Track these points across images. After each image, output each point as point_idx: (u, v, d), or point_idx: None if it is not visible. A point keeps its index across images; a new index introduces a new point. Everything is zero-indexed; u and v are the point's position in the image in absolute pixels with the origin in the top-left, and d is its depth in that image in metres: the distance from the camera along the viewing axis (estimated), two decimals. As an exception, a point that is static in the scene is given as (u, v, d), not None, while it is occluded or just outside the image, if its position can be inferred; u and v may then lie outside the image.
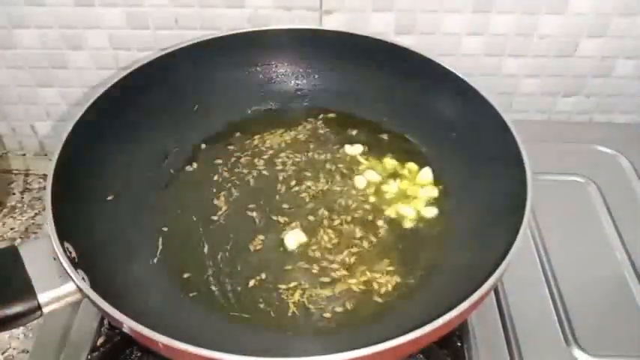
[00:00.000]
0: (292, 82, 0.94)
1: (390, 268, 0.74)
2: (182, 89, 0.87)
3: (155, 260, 0.75)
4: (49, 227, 0.61)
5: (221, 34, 0.88)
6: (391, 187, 0.82)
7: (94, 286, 0.59)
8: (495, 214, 0.70)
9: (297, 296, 0.71)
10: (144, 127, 0.83)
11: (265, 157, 0.87)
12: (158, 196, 0.82)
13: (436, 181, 0.83)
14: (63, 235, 0.61)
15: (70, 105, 1.01)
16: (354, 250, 0.76)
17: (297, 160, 0.87)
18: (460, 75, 0.79)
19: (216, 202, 0.82)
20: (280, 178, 0.84)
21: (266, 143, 0.89)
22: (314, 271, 0.74)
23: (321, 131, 0.91)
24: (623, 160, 0.95)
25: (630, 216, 0.86)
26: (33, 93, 1.00)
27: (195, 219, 0.80)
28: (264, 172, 0.85)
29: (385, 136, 0.89)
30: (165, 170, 0.85)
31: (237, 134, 0.90)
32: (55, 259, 0.60)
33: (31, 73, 0.97)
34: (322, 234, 0.77)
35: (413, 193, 0.82)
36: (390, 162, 0.86)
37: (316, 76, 0.94)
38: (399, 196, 0.82)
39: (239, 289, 0.72)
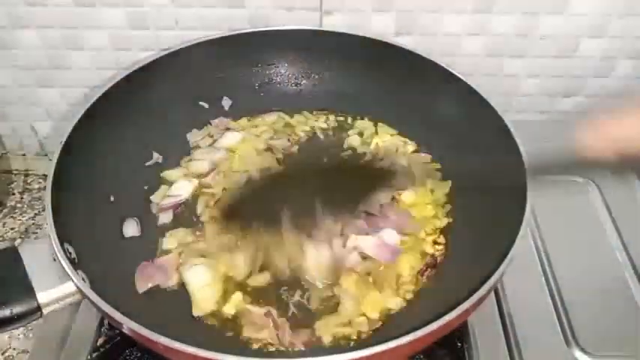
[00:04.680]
0: (292, 82, 0.94)
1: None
2: (183, 89, 0.87)
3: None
4: (49, 228, 0.61)
5: (221, 34, 0.88)
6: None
7: (93, 286, 0.59)
8: (495, 215, 0.70)
9: (297, 296, 0.72)
10: (144, 127, 0.83)
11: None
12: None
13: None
14: (63, 236, 0.61)
15: (70, 105, 1.01)
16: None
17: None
18: (460, 75, 0.79)
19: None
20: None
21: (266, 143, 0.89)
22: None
23: (321, 131, 0.91)
24: (623, 160, 0.95)
25: (630, 216, 0.86)
26: (33, 93, 1.00)
27: (195, 219, 0.80)
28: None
29: (386, 137, 0.90)
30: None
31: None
32: (54, 259, 0.60)
33: (31, 73, 0.97)
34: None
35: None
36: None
37: (316, 77, 0.94)
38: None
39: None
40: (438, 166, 0.85)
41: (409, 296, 0.71)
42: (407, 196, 0.81)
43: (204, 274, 0.72)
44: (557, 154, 0.60)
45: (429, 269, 0.74)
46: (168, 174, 0.85)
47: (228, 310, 0.70)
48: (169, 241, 0.76)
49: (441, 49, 0.93)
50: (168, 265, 0.73)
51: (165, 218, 0.80)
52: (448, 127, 0.83)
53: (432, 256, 0.75)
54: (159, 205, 0.80)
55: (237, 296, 0.71)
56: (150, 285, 0.71)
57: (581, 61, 0.96)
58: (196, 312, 0.69)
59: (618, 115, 0.53)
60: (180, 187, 0.83)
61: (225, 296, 0.71)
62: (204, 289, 0.71)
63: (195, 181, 0.84)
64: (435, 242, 0.77)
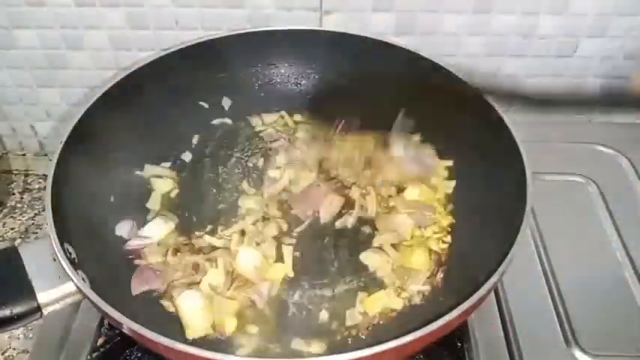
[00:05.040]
0: (292, 82, 0.94)
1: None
2: (182, 90, 0.87)
3: (155, 260, 0.75)
4: (49, 228, 0.61)
5: (221, 34, 0.88)
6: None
7: (93, 286, 0.59)
8: (495, 214, 0.70)
9: (296, 296, 0.72)
10: (144, 127, 0.83)
11: (267, 157, 0.87)
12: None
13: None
14: (63, 236, 0.61)
15: (70, 105, 1.01)
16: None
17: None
18: (460, 75, 0.79)
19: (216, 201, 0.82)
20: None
21: (267, 143, 0.89)
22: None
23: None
24: (623, 160, 0.95)
25: (630, 216, 0.86)
26: (33, 93, 1.00)
27: (195, 220, 0.80)
28: (267, 174, 0.85)
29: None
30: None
31: (239, 135, 0.91)
32: (55, 259, 0.60)
33: (31, 73, 0.97)
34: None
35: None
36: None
37: (316, 77, 0.94)
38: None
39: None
40: (449, 163, 0.84)
41: (415, 298, 0.72)
42: (410, 193, 0.81)
43: (196, 299, 0.69)
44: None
45: (440, 268, 0.74)
46: (154, 182, 0.83)
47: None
48: (151, 257, 0.74)
49: (441, 49, 0.93)
50: (163, 270, 0.72)
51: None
52: (448, 127, 0.83)
53: (438, 254, 0.75)
54: (129, 244, 0.76)
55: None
56: (143, 289, 0.70)
57: (581, 61, 0.96)
58: (190, 335, 0.67)
59: None
60: (154, 226, 0.78)
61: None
62: (196, 313, 0.68)
63: (172, 225, 0.78)
64: (440, 240, 0.77)
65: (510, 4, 0.88)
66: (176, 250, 0.75)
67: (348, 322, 0.69)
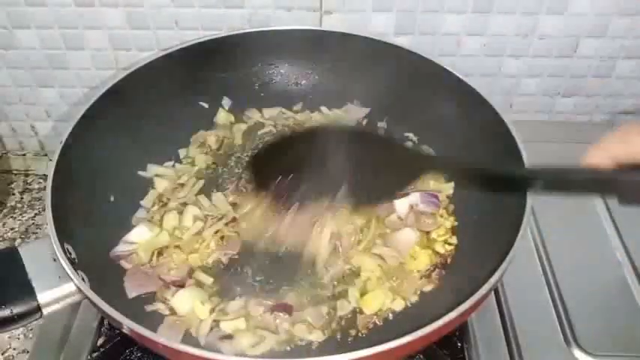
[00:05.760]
0: (292, 82, 0.94)
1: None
2: (183, 89, 0.87)
3: (155, 260, 0.75)
4: (49, 228, 0.61)
5: (221, 34, 0.88)
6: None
7: (93, 286, 0.59)
8: (495, 215, 0.70)
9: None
10: (144, 127, 0.83)
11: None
12: (158, 196, 0.82)
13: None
14: (63, 236, 0.61)
15: (70, 105, 1.01)
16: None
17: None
18: (460, 75, 0.79)
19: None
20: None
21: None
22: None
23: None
24: (623, 160, 0.95)
25: (630, 216, 0.86)
26: (33, 93, 1.00)
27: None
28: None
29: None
30: (166, 170, 0.86)
31: (239, 135, 0.91)
32: (55, 259, 0.60)
33: (31, 73, 0.97)
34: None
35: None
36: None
37: (316, 77, 0.94)
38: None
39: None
40: None
41: (413, 298, 0.71)
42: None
43: (190, 299, 0.69)
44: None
45: (437, 269, 0.74)
46: (157, 181, 0.83)
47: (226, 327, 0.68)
48: (140, 257, 0.74)
49: (440, 49, 0.93)
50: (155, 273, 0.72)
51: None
52: (448, 127, 0.83)
53: (442, 255, 0.75)
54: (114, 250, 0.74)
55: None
56: (138, 293, 0.70)
57: (581, 61, 0.96)
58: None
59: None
60: (139, 233, 0.76)
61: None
62: (193, 312, 0.68)
63: (157, 230, 0.77)
64: (446, 242, 0.77)
65: (510, 4, 0.88)
66: (160, 253, 0.74)
67: (340, 313, 0.69)
